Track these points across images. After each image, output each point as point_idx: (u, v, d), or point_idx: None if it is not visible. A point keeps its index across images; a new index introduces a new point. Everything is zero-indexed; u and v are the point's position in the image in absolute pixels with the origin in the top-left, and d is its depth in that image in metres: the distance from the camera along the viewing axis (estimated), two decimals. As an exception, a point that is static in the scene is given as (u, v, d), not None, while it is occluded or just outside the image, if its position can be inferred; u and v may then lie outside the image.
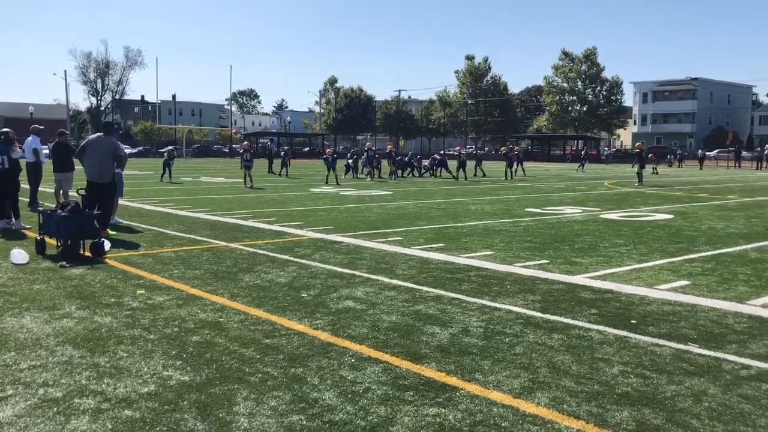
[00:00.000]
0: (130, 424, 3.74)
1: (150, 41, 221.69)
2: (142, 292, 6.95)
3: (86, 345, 5.16)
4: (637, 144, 34.86)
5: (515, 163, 34.68)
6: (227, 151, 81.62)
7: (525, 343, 5.30)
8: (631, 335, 5.55)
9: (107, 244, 9.42)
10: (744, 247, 10.50)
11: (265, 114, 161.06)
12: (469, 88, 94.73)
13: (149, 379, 4.44)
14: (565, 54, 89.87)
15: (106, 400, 4.07)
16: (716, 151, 72.62)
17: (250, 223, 13.03)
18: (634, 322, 5.96)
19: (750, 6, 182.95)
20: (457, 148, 36.28)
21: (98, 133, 11.11)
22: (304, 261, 8.83)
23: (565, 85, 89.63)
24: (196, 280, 7.53)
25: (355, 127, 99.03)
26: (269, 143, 52.11)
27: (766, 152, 56.83)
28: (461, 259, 9.09)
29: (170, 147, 38.37)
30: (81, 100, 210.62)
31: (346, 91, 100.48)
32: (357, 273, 8.04)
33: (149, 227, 12.18)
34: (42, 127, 16.61)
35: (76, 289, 7.08)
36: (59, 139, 14.08)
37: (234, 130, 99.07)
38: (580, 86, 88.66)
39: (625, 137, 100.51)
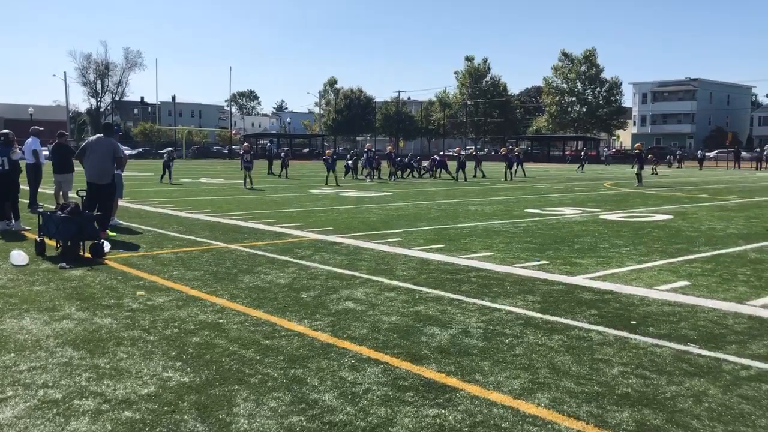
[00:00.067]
0: (130, 426, 3.74)
1: (150, 42, 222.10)
2: (142, 293, 6.95)
3: (86, 346, 5.16)
4: (637, 145, 34.87)
5: (515, 164, 34.71)
6: (227, 152, 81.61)
7: (525, 344, 5.30)
8: (631, 336, 5.55)
9: (107, 246, 9.42)
10: (744, 247, 10.50)
11: (265, 115, 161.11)
12: (469, 89, 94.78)
13: (149, 380, 4.44)
14: (565, 55, 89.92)
15: (105, 402, 4.07)
16: (716, 151, 72.65)
17: (249, 224, 13.03)
18: (634, 322, 5.96)
19: (749, 7, 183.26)
20: (457, 149, 36.31)
21: (98, 135, 11.13)
22: (303, 262, 8.83)
23: (565, 85, 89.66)
24: (196, 282, 7.53)
25: (355, 128, 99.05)
26: (269, 144, 52.17)
27: (765, 153, 56.88)
28: (461, 260, 9.09)
29: (170, 148, 38.42)
30: (81, 101, 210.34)
31: (346, 92, 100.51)
32: (357, 274, 8.04)
33: (149, 228, 12.18)
34: (42, 128, 16.59)
35: (75, 290, 7.08)
36: (59, 141, 14.08)
37: (234, 132, 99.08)
38: (579, 87, 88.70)
39: (624, 138, 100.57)
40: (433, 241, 10.83)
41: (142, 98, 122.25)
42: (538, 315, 6.20)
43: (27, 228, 11.73)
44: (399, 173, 33.61)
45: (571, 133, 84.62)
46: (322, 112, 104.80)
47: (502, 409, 4.02)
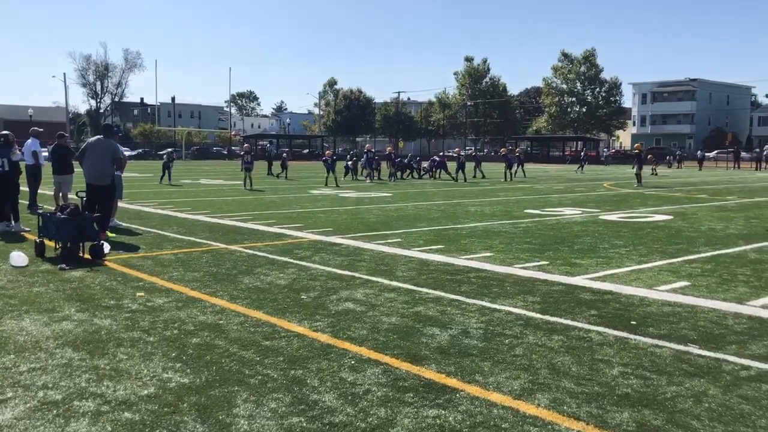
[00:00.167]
0: (130, 427, 3.74)
1: (149, 43, 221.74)
2: (142, 294, 6.95)
3: (86, 347, 5.16)
4: (636, 145, 34.88)
5: (515, 165, 34.72)
6: (226, 153, 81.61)
7: (525, 345, 5.30)
8: (631, 336, 5.55)
9: (107, 247, 9.42)
10: (743, 247, 10.51)
11: (265, 116, 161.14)
12: (468, 89, 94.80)
13: (149, 381, 4.44)
14: (564, 55, 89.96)
15: (105, 403, 4.07)
16: (715, 152, 72.69)
17: (249, 225, 13.03)
18: (634, 323, 5.97)
19: (749, 7, 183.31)
20: (456, 149, 36.31)
21: (98, 136, 11.14)
22: (303, 263, 8.83)
23: (564, 86, 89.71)
24: (196, 282, 7.53)
25: (355, 129, 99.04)
26: (268, 145, 52.21)
27: (765, 153, 56.89)
28: (461, 261, 9.09)
29: (169, 149, 38.40)
30: (80, 102, 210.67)
31: (346, 92, 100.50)
32: (357, 275, 8.04)
33: (149, 229, 12.18)
34: (41, 129, 16.56)
35: (75, 291, 7.08)
36: (58, 142, 14.08)
37: (233, 133, 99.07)
38: (579, 87, 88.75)
39: (624, 138, 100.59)
40: (432, 242, 10.84)
41: (142, 99, 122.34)
42: (538, 315, 6.20)
43: (27, 229, 11.72)
44: (399, 174, 33.61)
45: (571, 133, 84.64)
46: (321, 112, 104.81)
47: (502, 409, 4.02)
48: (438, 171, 34.41)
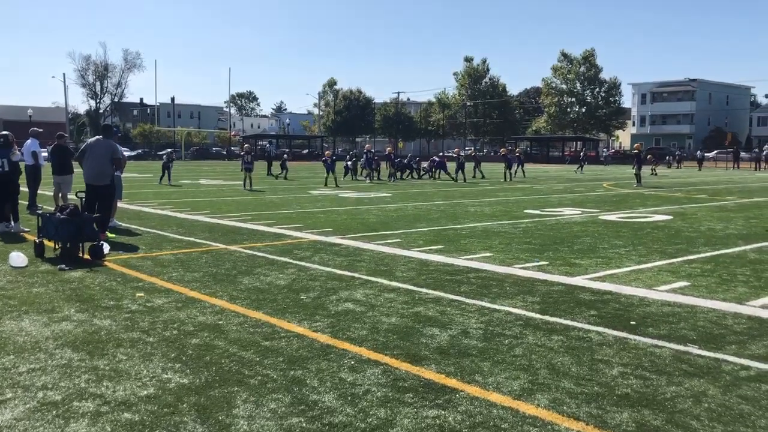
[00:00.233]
0: (130, 427, 3.74)
1: (149, 44, 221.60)
2: (141, 294, 6.94)
3: (85, 348, 5.15)
4: (636, 145, 34.88)
5: (515, 165, 34.74)
6: (226, 153, 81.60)
7: (524, 345, 5.30)
8: (631, 336, 5.55)
9: (106, 247, 9.41)
10: (743, 248, 10.51)
11: (264, 116, 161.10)
12: (468, 89, 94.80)
13: (148, 381, 4.44)
14: (564, 55, 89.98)
15: (105, 403, 4.07)
16: (715, 152, 72.70)
17: (249, 225, 13.03)
18: (634, 323, 5.97)
19: (748, 7, 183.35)
20: (456, 149, 36.31)
21: (97, 136, 11.14)
22: (303, 263, 8.83)
23: (564, 86, 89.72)
24: (195, 283, 7.53)
25: (354, 129, 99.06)
26: (268, 146, 52.20)
27: (764, 153, 56.91)
28: (460, 261, 9.09)
29: (169, 149, 38.40)
30: (80, 102, 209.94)
31: (345, 93, 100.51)
32: (356, 275, 8.04)
33: (148, 230, 12.18)
34: (41, 129, 16.57)
35: (75, 292, 7.08)
36: (58, 142, 14.07)
37: (233, 133, 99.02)
38: (578, 88, 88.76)
39: (623, 138, 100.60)
40: (432, 242, 10.84)
41: (141, 99, 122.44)
42: (538, 316, 6.20)
43: (26, 229, 11.72)
44: (398, 174, 33.62)
45: (571, 133, 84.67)
46: (321, 113, 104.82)
47: (501, 409, 4.02)
48: (437, 171, 34.43)
